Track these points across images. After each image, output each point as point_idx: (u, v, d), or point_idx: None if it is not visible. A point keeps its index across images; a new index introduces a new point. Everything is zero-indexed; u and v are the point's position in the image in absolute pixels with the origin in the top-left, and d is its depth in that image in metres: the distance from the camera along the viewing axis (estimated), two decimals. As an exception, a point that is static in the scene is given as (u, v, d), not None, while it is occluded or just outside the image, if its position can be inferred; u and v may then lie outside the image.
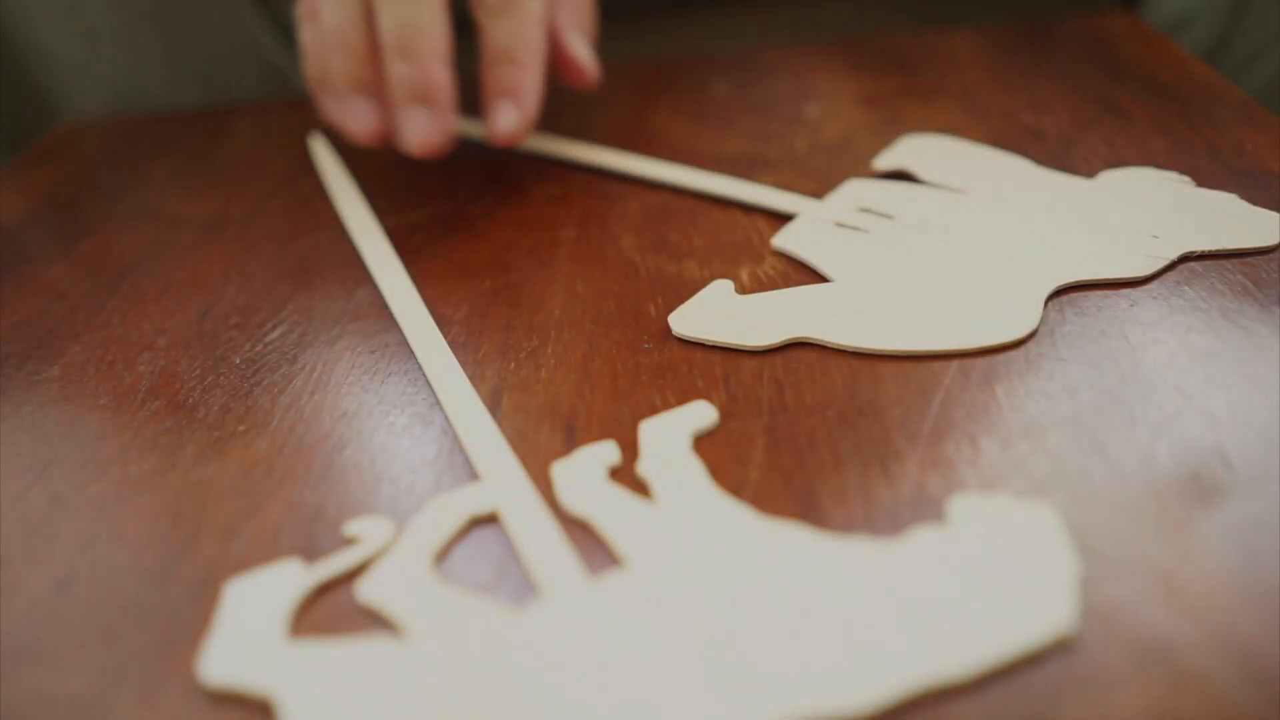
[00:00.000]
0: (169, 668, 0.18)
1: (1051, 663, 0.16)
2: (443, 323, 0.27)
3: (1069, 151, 0.32)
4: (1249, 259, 0.26)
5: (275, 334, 0.28)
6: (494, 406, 0.24)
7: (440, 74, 0.30)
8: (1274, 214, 0.27)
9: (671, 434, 0.22)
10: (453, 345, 0.26)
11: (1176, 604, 0.17)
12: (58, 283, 0.32)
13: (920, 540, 0.18)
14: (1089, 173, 0.30)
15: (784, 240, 0.29)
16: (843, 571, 0.18)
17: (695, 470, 0.21)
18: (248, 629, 0.19)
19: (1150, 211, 0.28)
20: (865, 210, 0.30)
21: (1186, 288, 0.25)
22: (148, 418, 0.25)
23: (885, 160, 0.32)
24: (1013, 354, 0.23)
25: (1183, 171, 0.30)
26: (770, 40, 0.45)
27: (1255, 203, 0.28)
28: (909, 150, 0.33)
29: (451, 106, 0.31)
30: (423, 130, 0.30)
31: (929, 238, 0.28)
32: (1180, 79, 0.37)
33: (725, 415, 0.23)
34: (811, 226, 0.30)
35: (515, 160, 0.37)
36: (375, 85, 0.31)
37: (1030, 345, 0.23)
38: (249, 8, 0.47)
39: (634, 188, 0.34)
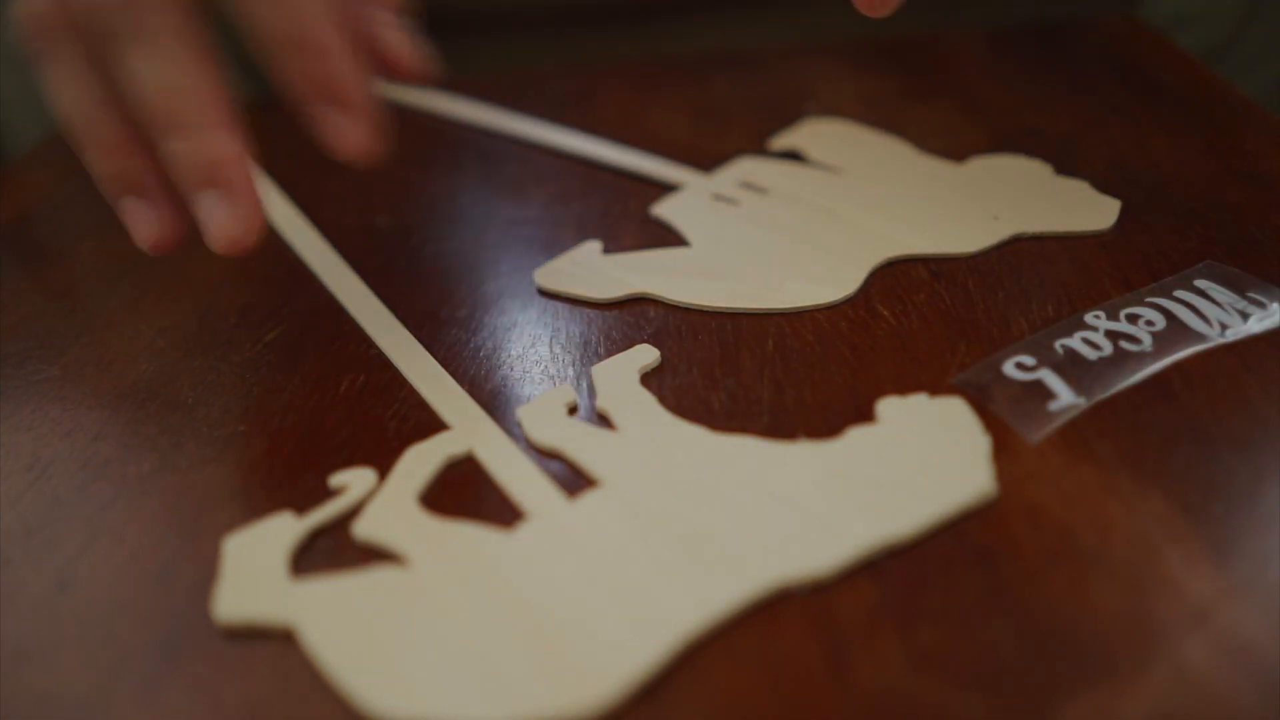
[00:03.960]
0: (169, 668, 0.18)
1: (1052, 662, 0.16)
2: (443, 323, 0.28)
3: (1069, 150, 0.32)
4: (1075, 239, 0.28)
5: (275, 334, 0.28)
6: (494, 408, 0.24)
7: (226, 145, 0.22)
8: (1115, 201, 0.29)
9: (621, 373, 0.24)
10: (452, 346, 0.26)
11: (1178, 604, 0.17)
12: (58, 283, 0.32)
13: (857, 435, 0.21)
14: (1091, 175, 0.30)
15: (661, 209, 0.32)
16: (794, 465, 0.21)
17: (649, 400, 0.23)
18: (254, 572, 0.20)
19: (1000, 195, 0.30)
20: (745, 184, 0.32)
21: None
22: (148, 418, 0.25)
23: (781, 141, 0.35)
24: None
25: (1182, 171, 0.30)
26: (770, 40, 0.45)
27: (1258, 205, 0.28)
28: (805, 132, 0.35)
29: (251, 184, 0.23)
30: (223, 222, 0.22)
31: (789, 210, 0.31)
32: (1181, 79, 0.37)
33: (725, 415, 0.23)
34: (690, 197, 0.32)
35: (515, 161, 0.37)
36: (145, 175, 0.23)
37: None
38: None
39: (634, 186, 0.34)
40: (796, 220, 0.30)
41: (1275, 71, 0.44)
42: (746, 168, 0.33)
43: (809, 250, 0.28)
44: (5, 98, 0.47)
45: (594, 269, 0.29)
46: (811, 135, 0.35)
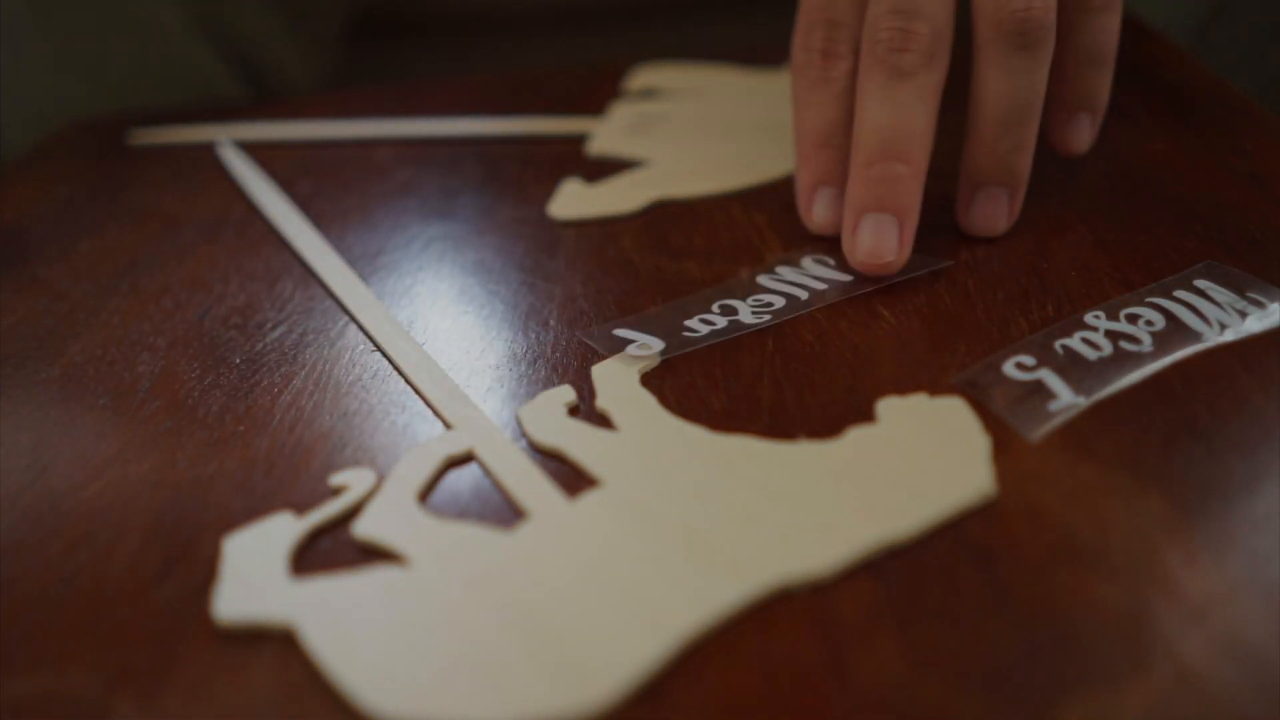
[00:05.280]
0: (169, 668, 0.18)
1: (1052, 662, 0.16)
2: (444, 323, 0.27)
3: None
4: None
5: (275, 334, 0.28)
6: (495, 407, 0.24)
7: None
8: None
9: (621, 373, 0.24)
10: (454, 345, 0.26)
11: (1178, 604, 0.17)
12: (58, 283, 0.32)
13: (857, 435, 0.21)
14: (1092, 175, 0.30)
15: (599, 144, 0.36)
16: (794, 465, 0.21)
17: (649, 400, 0.23)
18: (253, 572, 0.20)
19: None
20: (646, 113, 0.39)
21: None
22: (148, 418, 0.25)
23: (637, 82, 0.42)
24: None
25: (1182, 171, 0.30)
26: (770, 40, 0.45)
27: (1258, 205, 0.28)
28: (645, 76, 0.42)
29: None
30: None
31: (702, 113, 0.38)
32: (1180, 79, 0.37)
33: (725, 415, 0.23)
34: (613, 130, 0.38)
35: (514, 161, 0.37)
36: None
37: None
38: (181, 22, 0.46)
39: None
40: (715, 119, 0.37)
41: (1271, 70, 0.44)
42: (630, 105, 0.40)
43: (750, 136, 0.35)
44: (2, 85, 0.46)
45: (598, 194, 0.32)
46: (654, 76, 0.42)
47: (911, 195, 0.26)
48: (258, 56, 0.48)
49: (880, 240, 0.26)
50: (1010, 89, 0.26)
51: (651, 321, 0.26)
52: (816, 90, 0.28)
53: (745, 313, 0.26)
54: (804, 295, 0.27)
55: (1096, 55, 0.28)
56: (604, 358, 0.25)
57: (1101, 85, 0.29)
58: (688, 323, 0.26)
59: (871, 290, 0.27)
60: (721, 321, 0.26)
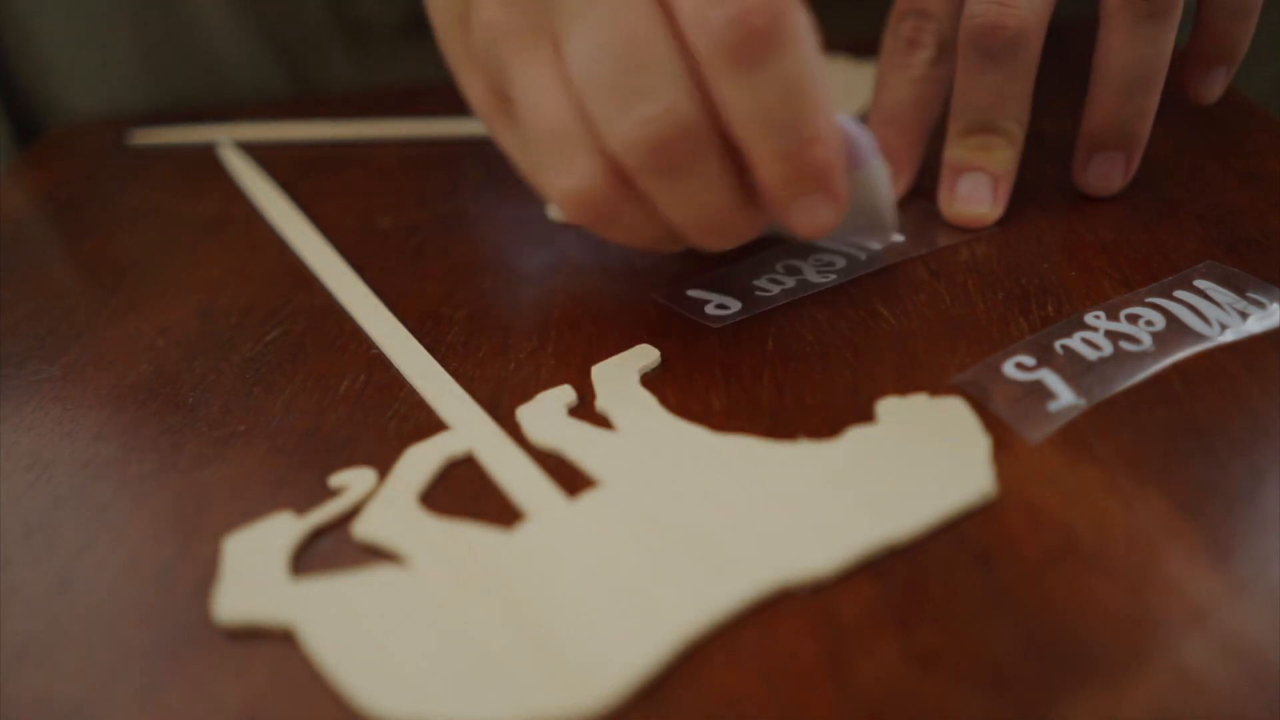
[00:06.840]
0: (169, 668, 0.18)
1: (1052, 662, 0.16)
2: (443, 323, 0.27)
3: (1070, 151, 0.32)
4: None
5: (275, 334, 0.28)
6: (494, 408, 0.24)
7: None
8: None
9: (621, 373, 0.24)
10: (452, 346, 0.26)
11: (1178, 604, 0.17)
12: (58, 283, 0.32)
13: (857, 435, 0.21)
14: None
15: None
16: (794, 465, 0.20)
17: (649, 400, 0.23)
18: (254, 572, 0.20)
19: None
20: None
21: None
22: (148, 418, 0.25)
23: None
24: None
25: (1182, 171, 0.30)
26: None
27: (1258, 205, 0.28)
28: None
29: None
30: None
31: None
32: (1180, 79, 0.36)
33: (725, 415, 0.23)
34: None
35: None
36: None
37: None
38: (235, 21, 0.46)
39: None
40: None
41: (1273, 72, 0.44)
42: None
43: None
44: (56, 67, 0.47)
45: None
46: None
47: (1005, 162, 0.28)
48: (310, 58, 0.48)
49: (974, 194, 0.28)
50: (1136, 56, 0.26)
51: (720, 283, 0.27)
52: (895, 73, 0.29)
53: (811, 272, 0.27)
54: (862, 256, 0.28)
55: (1244, 6, 0.28)
56: (604, 357, 0.25)
57: (1245, 37, 0.29)
58: (756, 283, 0.27)
59: (915, 258, 0.28)
60: (790, 281, 0.27)
